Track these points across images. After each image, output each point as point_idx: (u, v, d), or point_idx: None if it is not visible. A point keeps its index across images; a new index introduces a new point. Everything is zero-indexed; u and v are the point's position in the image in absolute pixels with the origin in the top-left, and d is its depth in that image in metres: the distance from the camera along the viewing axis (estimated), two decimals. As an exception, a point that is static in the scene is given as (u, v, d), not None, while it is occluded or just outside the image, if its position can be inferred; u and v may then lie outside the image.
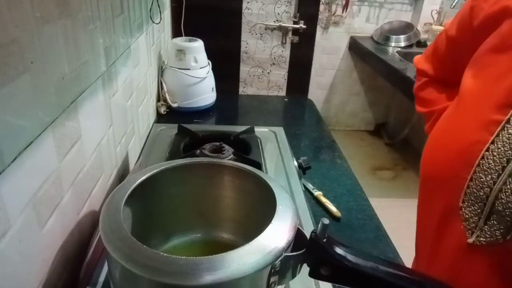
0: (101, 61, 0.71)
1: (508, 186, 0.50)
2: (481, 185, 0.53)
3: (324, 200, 0.94)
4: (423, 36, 2.57)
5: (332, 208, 0.92)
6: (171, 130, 0.95)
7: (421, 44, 2.55)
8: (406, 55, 2.29)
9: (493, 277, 0.55)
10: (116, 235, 0.41)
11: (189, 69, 1.35)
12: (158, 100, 1.39)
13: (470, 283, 0.57)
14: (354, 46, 2.73)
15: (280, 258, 0.40)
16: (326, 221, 0.41)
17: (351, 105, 3.08)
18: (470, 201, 0.54)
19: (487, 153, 0.52)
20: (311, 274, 0.44)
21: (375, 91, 3.01)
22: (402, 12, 2.72)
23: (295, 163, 0.88)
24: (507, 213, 0.50)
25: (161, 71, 1.40)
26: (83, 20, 0.62)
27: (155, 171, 0.53)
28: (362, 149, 2.99)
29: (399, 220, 1.38)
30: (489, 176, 0.52)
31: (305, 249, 0.43)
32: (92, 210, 0.67)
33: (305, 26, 2.46)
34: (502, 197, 0.51)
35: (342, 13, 2.64)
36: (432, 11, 2.62)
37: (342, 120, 3.14)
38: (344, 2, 2.59)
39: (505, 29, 0.54)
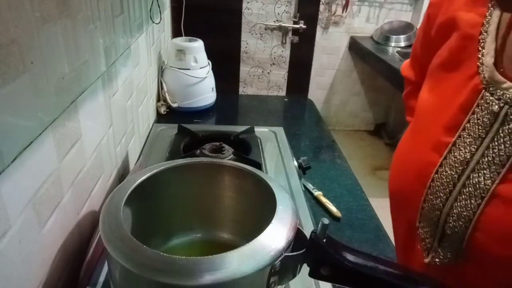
0: (101, 61, 0.71)
1: (455, 211, 0.49)
2: (432, 207, 0.52)
3: (324, 200, 0.94)
4: (423, 36, 2.57)
5: (332, 208, 0.92)
6: (171, 130, 0.95)
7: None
8: (406, 55, 2.27)
9: None
10: (116, 235, 0.41)
11: (189, 69, 1.35)
12: (158, 100, 1.39)
13: None
14: (354, 46, 2.73)
15: (280, 258, 0.40)
16: (326, 221, 0.41)
17: (351, 105, 3.08)
18: (425, 222, 0.54)
19: (436, 175, 0.51)
20: (311, 274, 0.44)
21: (375, 91, 3.01)
22: (402, 12, 2.72)
23: (295, 163, 0.88)
24: (455, 236, 0.50)
25: (161, 71, 1.40)
26: (83, 20, 0.62)
27: (155, 171, 0.53)
28: (362, 149, 2.99)
29: (399, 220, 1.38)
30: (439, 199, 0.51)
31: (305, 249, 0.43)
32: (92, 210, 0.67)
33: (305, 26, 2.46)
34: (450, 221, 0.50)
35: (342, 13, 2.64)
36: (432, 11, 2.62)
37: (342, 120, 3.13)
38: (344, 2, 2.59)
39: (452, 43, 0.53)
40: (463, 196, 0.48)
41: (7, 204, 0.41)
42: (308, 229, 0.56)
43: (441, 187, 0.50)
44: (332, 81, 2.94)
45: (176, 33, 1.93)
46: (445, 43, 0.54)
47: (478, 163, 0.47)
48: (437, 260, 0.53)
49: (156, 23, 1.29)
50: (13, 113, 0.42)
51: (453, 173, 0.49)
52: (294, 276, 0.44)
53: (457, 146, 0.49)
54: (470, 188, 0.48)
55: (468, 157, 0.48)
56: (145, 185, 0.51)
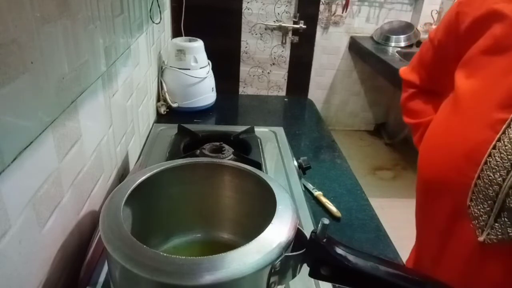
0: (101, 61, 0.71)
1: None
2: (489, 183, 0.53)
3: (324, 200, 0.94)
4: (423, 36, 2.57)
5: (332, 208, 0.92)
6: (171, 130, 0.95)
7: (421, 44, 2.55)
8: (406, 55, 2.29)
9: (510, 275, 0.55)
10: (116, 235, 0.41)
11: (189, 69, 1.35)
12: (158, 100, 1.39)
13: (486, 282, 0.57)
14: (354, 46, 2.73)
15: (280, 258, 0.40)
16: (326, 221, 0.41)
17: (351, 105, 3.08)
18: (479, 200, 0.55)
19: (494, 151, 0.52)
20: (311, 274, 0.44)
21: (375, 91, 3.01)
22: (402, 12, 2.72)
23: (295, 163, 0.88)
24: None
25: (161, 71, 1.40)
26: (83, 20, 0.62)
27: (155, 171, 0.53)
28: (362, 149, 2.99)
29: (399, 220, 1.38)
30: (498, 174, 0.52)
31: (305, 249, 0.43)
32: (92, 210, 0.67)
33: (305, 26, 2.46)
34: None
35: (342, 13, 2.64)
36: (432, 11, 2.62)
37: (342, 120, 3.14)
38: (344, 2, 2.59)
39: (497, 31, 0.56)
40: None
41: (7, 204, 0.41)
42: (308, 229, 0.56)
43: (501, 161, 0.52)
44: (332, 81, 2.94)
45: (176, 33, 1.93)
46: (485, 33, 0.58)
47: None
48: (493, 237, 0.54)
49: (156, 23, 1.29)
50: (13, 113, 0.42)
51: None
52: (294, 276, 0.44)
53: None
54: None
55: None
56: (145, 185, 0.51)
